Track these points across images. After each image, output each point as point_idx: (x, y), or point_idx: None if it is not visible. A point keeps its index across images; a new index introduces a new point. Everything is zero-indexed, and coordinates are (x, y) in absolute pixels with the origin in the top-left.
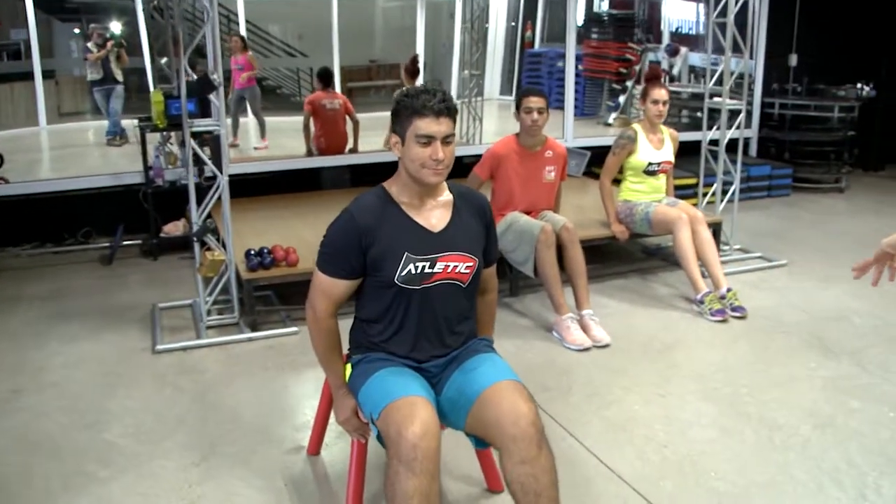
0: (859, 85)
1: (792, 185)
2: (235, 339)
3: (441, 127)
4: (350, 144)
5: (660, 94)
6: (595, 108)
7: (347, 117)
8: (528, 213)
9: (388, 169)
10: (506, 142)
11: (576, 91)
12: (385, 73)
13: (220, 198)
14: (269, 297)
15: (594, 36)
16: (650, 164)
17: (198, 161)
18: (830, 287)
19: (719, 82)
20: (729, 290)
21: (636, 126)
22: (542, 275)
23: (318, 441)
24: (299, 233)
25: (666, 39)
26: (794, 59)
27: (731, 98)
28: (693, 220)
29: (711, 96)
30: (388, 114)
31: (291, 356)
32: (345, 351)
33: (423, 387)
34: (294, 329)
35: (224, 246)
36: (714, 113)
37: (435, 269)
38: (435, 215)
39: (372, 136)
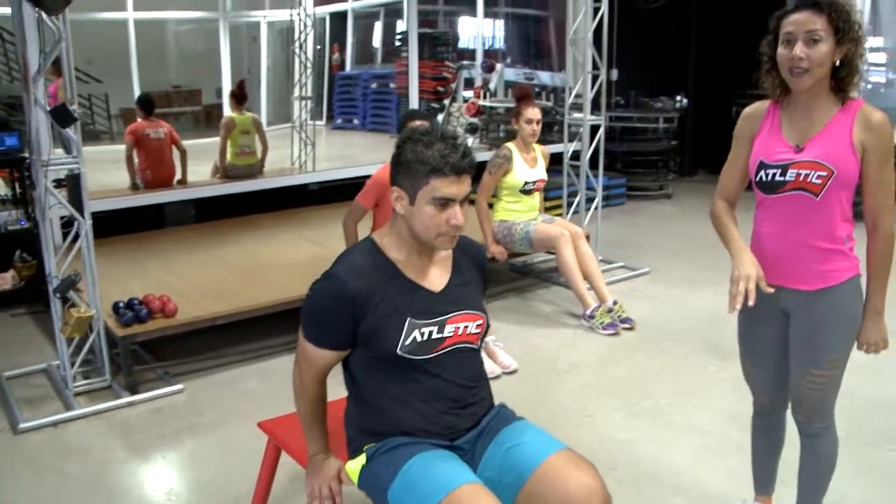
0: (677, 97)
1: (626, 194)
2: (115, 405)
3: (462, 187)
4: (178, 175)
5: (533, 113)
6: None
7: (174, 146)
8: None
9: (237, 201)
10: (388, 168)
11: (389, 109)
12: (185, 99)
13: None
14: (138, 353)
15: (405, 54)
16: (526, 183)
17: (20, 202)
18: (699, 291)
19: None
20: (615, 302)
21: (510, 145)
22: None
23: None
24: (160, 278)
25: (479, 57)
26: (615, 74)
27: (586, 113)
28: (574, 237)
29: (571, 112)
30: (199, 141)
31: (188, 418)
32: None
33: (470, 470)
34: (179, 387)
35: (86, 300)
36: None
37: (444, 334)
38: (435, 273)
39: (196, 166)
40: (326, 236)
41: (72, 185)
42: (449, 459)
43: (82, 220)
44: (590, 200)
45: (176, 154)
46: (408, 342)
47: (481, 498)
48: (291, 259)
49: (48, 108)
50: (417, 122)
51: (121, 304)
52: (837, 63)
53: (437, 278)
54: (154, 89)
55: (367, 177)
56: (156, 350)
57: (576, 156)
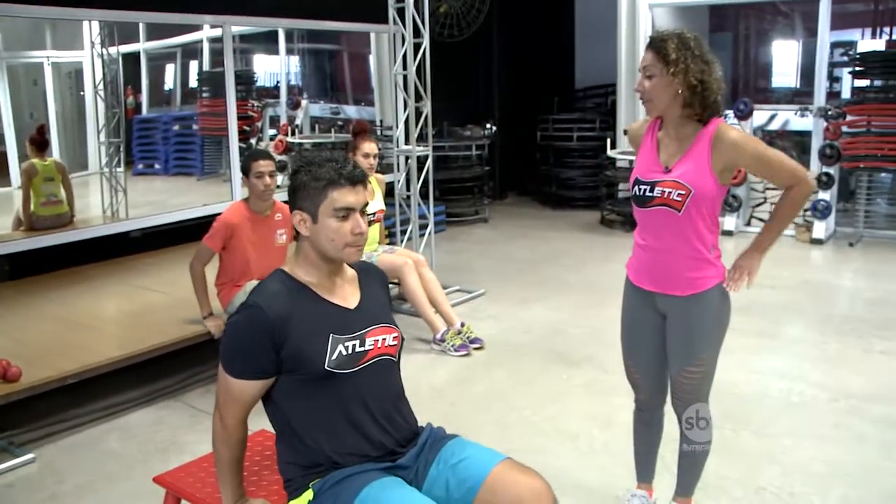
0: (488, 125)
1: (446, 221)
2: None
3: (360, 197)
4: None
5: (370, 147)
6: (215, 166)
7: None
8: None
9: (52, 254)
10: (235, 209)
11: (192, 151)
12: None
13: None
14: None
15: (206, 95)
16: (367, 215)
17: None
18: (532, 307)
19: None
20: (462, 324)
21: (366, 191)
22: None
23: None
24: None
25: (284, 93)
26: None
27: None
28: (417, 264)
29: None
30: None
31: (47, 489)
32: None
33: (420, 495)
34: (30, 456)
35: None
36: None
37: (366, 346)
38: (346, 291)
39: None
40: (162, 284)
41: None
42: (397, 487)
43: None
44: (420, 228)
45: None
46: (334, 357)
47: None
48: (132, 309)
49: None
50: (262, 161)
51: None
52: (682, 91)
53: (349, 296)
54: None
55: (195, 219)
56: None
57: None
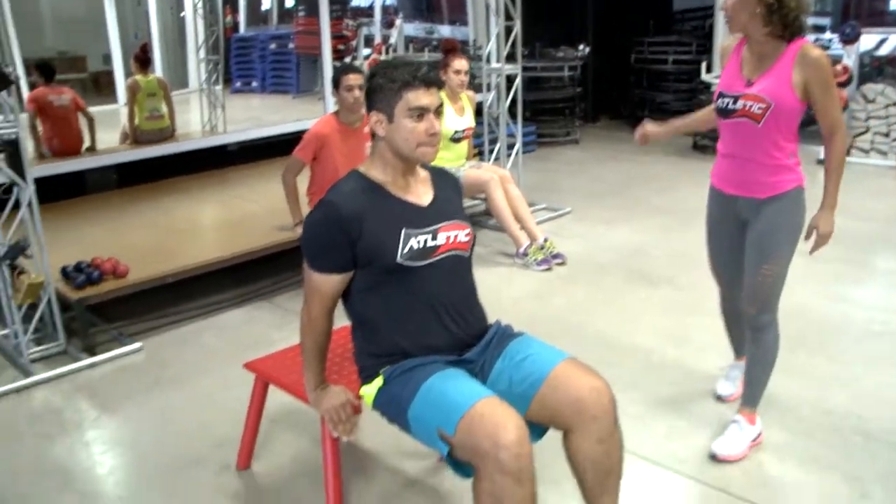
0: (581, 46)
1: (536, 142)
2: (75, 367)
3: (434, 98)
4: (87, 143)
5: (461, 64)
6: (311, 84)
7: (79, 113)
8: None
9: (156, 166)
10: (326, 121)
11: (289, 69)
12: (70, 66)
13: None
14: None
15: (302, 14)
16: (455, 132)
17: None
18: (617, 228)
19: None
20: (545, 239)
21: (441, 95)
22: None
23: (249, 454)
24: (97, 242)
25: (378, 13)
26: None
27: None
28: (503, 180)
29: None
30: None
31: (153, 374)
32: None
33: (483, 386)
34: (138, 345)
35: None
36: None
37: (438, 241)
38: (420, 190)
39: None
40: (256, 194)
41: (11, 150)
42: (463, 377)
43: (24, 185)
44: (509, 147)
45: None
46: (405, 250)
47: (499, 409)
48: (227, 217)
49: None
50: (352, 75)
51: (69, 269)
52: (759, 9)
53: (422, 195)
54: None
55: (289, 134)
56: (104, 313)
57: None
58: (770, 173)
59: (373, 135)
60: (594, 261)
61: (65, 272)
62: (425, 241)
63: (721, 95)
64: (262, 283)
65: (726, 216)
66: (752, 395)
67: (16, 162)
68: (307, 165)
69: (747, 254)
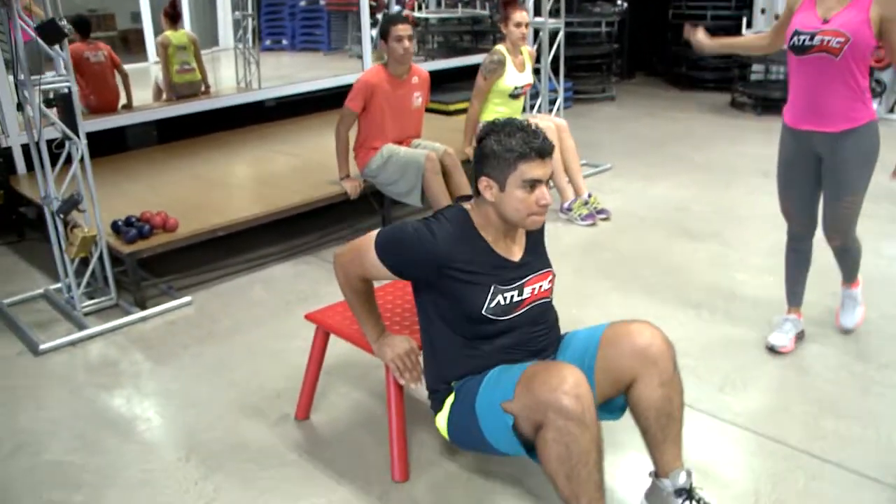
0: (618, 2)
1: (573, 98)
2: (128, 321)
3: (547, 169)
4: (123, 100)
5: (522, 16)
6: (341, 42)
7: (115, 70)
8: (399, 142)
9: (194, 122)
10: (375, 71)
11: (319, 27)
12: (99, 24)
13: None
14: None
15: None
16: (515, 87)
17: None
18: (657, 184)
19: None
20: (590, 195)
21: (502, 49)
22: (434, 202)
23: (308, 405)
24: (144, 197)
25: None
26: None
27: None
28: (559, 129)
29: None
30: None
31: (204, 327)
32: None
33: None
34: (188, 299)
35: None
36: None
37: (523, 296)
38: (515, 247)
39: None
40: (297, 147)
41: (64, 104)
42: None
43: (77, 139)
44: (550, 103)
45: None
46: (492, 305)
47: (553, 364)
48: (271, 170)
49: (36, 24)
50: (401, 25)
51: (119, 223)
52: None
53: (517, 251)
54: (66, 14)
55: (326, 90)
56: (152, 267)
57: None
58: (847, 107)
59: (476, 192)
60: (637, 215)
61: (115, 226)
62: (511, 298)
63: (796, 33)
64: (308, 238)
65: (801, 154)
66: (849, 274)
67: (69, 116)
68: (358, 116)
69: (826, 187)
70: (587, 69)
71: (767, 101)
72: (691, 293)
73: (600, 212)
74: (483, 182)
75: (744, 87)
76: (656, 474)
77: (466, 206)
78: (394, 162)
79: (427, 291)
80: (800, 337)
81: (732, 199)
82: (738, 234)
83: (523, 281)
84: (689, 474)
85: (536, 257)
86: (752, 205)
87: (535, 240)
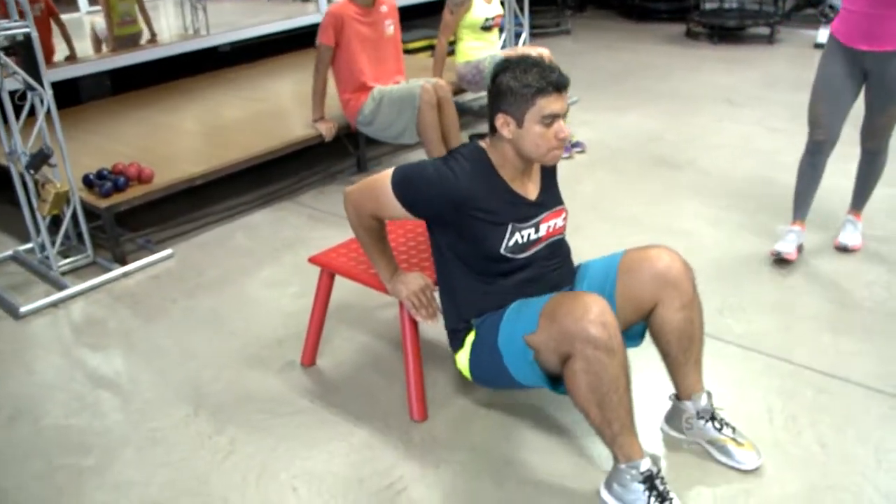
0: None
1: (530, 33)
2: (109, 277)
3: (564, 103)
4: (62, 52)
5: None
6: None
7: (51, 20)
8: (383, 83)
9: (146, 70)
10: (341, 4)
11: None
12: None
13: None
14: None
15: None
16: (486, 19)
17: None
18: (626, 114)
19: None
20: None
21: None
22: (426, 138)
23: (314, 350)
24: (113, 149)
25: None
26: None
27: None
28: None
29: None
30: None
31: (191, 280)
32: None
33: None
34: (169, 252)
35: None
36: None
37: (539, 233)
38: (532, 185)
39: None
40: (262, 93)
41: (25, 52)
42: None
43: (42, 89)
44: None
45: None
46: (510, 244)
47: (574, 294)
48: (238, 117)
49: None
50: None
51: (91, 176)
52: None
53: (533, 188)
54: None
55: (283, 32)
56: (125, 222)
57: None
58: None
59: (493, 130)
60: (611, 146)
61: (87, 180)
62: (528, 235)
63: None
64: (285, 183)
65: (851, 70)
66: (862, 201)
67: (31, 65)
68: (332, 50)
69: (874, 97)
70: (540, 3)
71: (724, 31)
72: (680, 222)
73: (575, 145)
74: (500, 119)
75: (699, 16)
76: (678, 397)
77: (482, 144)
78: (387, 102)
79: (443, 231)
80: (800, 249)
81: (703, 127)
82: (715, 160)
83: (539, 218)
84: (709, 396)
85: (551, 195)
86: (721, 132)
87: (550, 177)
